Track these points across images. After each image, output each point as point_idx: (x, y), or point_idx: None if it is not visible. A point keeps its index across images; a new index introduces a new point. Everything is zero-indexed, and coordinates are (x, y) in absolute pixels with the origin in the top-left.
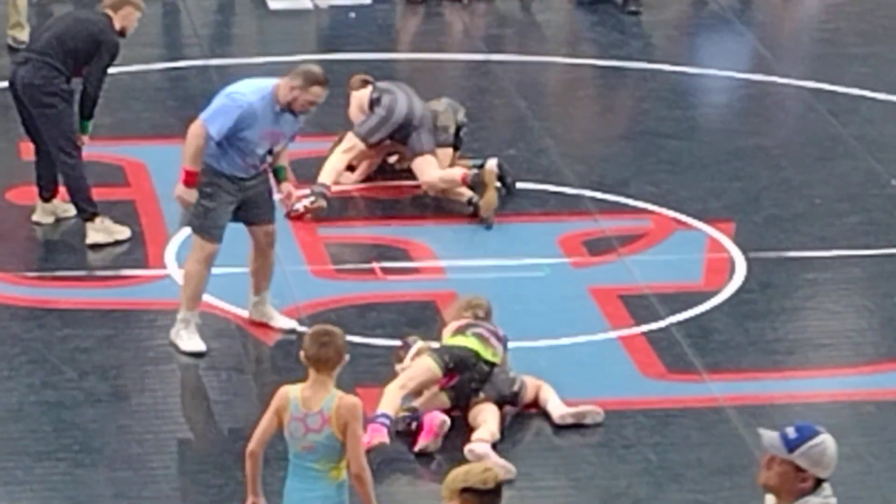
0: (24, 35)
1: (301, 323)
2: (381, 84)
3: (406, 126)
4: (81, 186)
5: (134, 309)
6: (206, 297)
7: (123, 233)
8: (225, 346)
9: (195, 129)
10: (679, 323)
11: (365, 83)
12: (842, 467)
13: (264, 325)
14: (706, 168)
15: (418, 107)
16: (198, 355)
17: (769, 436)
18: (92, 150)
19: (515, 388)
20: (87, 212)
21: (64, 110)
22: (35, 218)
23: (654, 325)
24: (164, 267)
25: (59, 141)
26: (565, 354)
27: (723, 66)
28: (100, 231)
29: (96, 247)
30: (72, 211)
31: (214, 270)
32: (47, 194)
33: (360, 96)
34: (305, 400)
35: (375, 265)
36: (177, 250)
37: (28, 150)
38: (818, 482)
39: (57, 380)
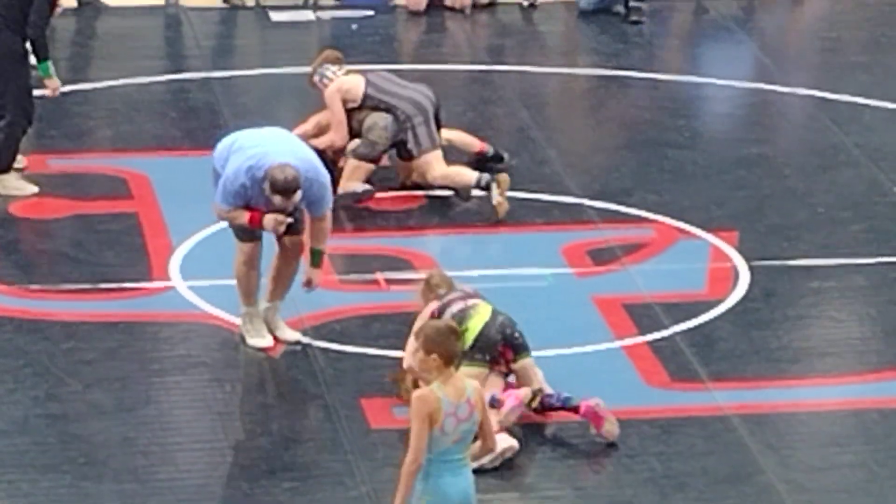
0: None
1: (305, 334)
2: (379, 82)
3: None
4: (11, 144)
5: (138, 321)
6: (209, 309)
7: (23, 190)
8: (230, 357)
9: (214, 205)
10: (683, 332)
11: (338, 60)
12: (846, 475)
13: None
14: (709, 177)
15: (422, 97)
16: (264, 350)
17: None
18: (94, 162)
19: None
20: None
21: (15, 69)
22: None
23: (657, 335)
24: (167, 279)
25: (4, 98)
26: (569, 364)
27: (725, 75)
28: None
29: None
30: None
31: (218, 282)
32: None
33: (347, 86)
34: (451, 394)
35: (379, 276)
36: (181, 262)
37: (32, 162)
38: None
39: (61, 392)
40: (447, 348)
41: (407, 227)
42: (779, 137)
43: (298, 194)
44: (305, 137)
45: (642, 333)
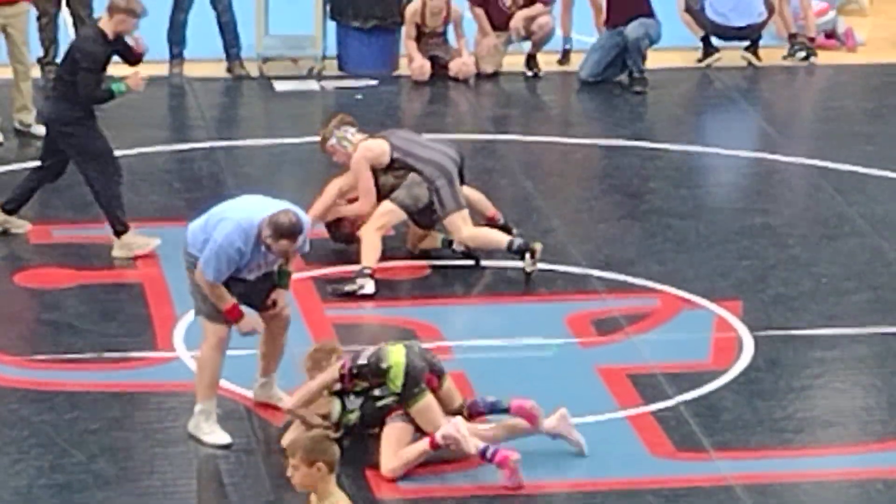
0: (30, 118)
1: None
2: (403, 145)
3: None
4: (112, 205)
5: (142, 391)
6: None
7: (146, 246)
8: (233, 427)
9: (199, 276)
10: (687, 402)
11: (352, 123)
12: None
13: (272, 407)
14: (713, 247)
15: (445, 158)
16: (223, 447)
17: None
18: (99, 232)
19: None
20: (115, 229)
21: (82, 135)
22: (114, 254)
23: (662, 404)
24: (172, 349)
25: (85, 164)
26: None
27: (728, 144)
28: (122, 248)
29: (117, 259)
30: (151, 242)
31: None
32: (9, 207)
33: (374, 153)
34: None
35: (383, 345)
36: (185, 332)
37: (36, 233)
38: None
39: (65, 463)
40: (329, 455)
41: (411, 297)
42: (782, 207)
43: (301, 238)
44: (331, 207)
45: (646, 403)
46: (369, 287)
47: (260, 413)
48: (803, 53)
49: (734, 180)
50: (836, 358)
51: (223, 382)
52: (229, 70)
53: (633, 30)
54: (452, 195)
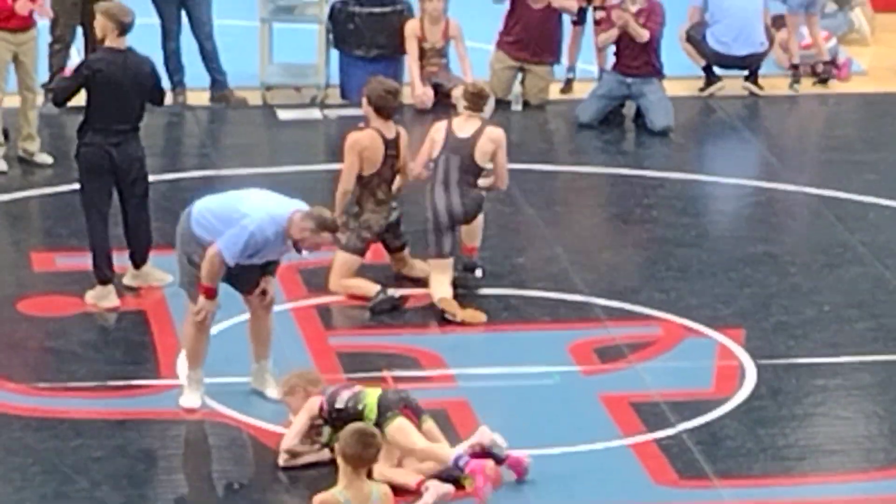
0: (34, 146)
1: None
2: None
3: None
4: (147, 237)
5: (146, 419)
6: (216, 406)
7: (162, 280)
8: (237, 455)
9: (213, 254)
10: (690, 430)
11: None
12: None
13: (277, 435)
14: (715, 275)
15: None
16: (189, 411)
17: None
18: None
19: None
20: (137, 261)
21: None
22: (125, 282)
23: (665, 433)
24: (175, 377)
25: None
26: (576, 462)
27: (731, 173)
28: (137, 278)
29: (127, 287)
30: (166, 279)
31: (225, 380)
32: (139, 261)
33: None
34: (357, 499)
35: (386, 374)
36: None
37: (40, 260)
38: None
39: (69, 490)
40: (347, 449)
41: (413, 325)
42: (785, 235)
43: None
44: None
45: (650, 431)
46: (394, 291)
47: (264, 441)
48: (797, 85)
49: (736, 209)
50: (839, 386)
51: (224, 409)
52: (217, 99)
53: (657, 117)
54: (437, 242)
